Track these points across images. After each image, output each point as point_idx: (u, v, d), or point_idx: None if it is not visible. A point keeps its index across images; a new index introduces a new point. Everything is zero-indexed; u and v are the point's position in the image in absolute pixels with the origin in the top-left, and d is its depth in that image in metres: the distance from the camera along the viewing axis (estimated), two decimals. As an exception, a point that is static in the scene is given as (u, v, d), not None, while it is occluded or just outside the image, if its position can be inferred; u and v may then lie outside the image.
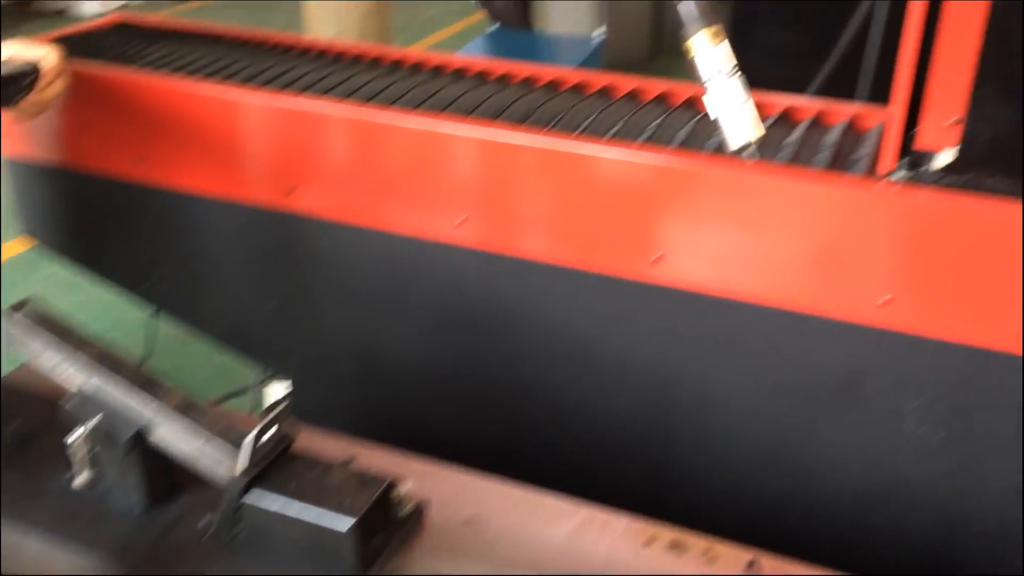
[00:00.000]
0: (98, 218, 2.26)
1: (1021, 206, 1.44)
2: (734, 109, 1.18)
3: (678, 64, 5.62)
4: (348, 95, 2.00)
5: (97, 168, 2.14)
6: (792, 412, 1.73)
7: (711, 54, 1.19)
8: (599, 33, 4.03)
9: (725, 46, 1.19)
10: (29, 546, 1.37)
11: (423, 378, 2.05)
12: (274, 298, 2.13)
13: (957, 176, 1.50)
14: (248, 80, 2.07)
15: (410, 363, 2.06)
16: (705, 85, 1.21)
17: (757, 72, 4.48)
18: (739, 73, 1.17)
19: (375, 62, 2.29)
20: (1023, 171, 1.46)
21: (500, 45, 4.06)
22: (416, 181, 1.86)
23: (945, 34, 1.45)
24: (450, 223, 1.85)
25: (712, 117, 1.21)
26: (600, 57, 3.99)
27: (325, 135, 1.90)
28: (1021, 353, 1.50)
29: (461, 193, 1.83)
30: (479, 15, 6.79)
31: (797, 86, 2.80)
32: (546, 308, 1.86)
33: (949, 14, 1.43)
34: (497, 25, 4.23)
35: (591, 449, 1.94)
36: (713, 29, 1.19)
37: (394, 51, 2.32)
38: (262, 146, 1.96)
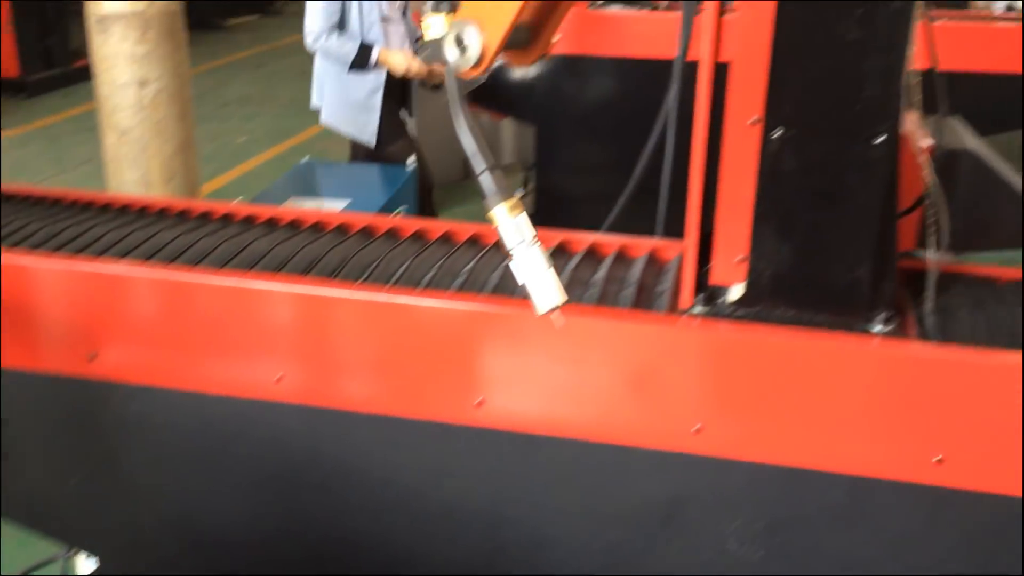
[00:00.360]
0: None
1: (804, 334, 1.56)
2: (537, 277, 1.24)
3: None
4: (153, 253, 1.94)
5: None
6: (622, 543, 1.76)
7: (511, 225, 1.25)
8: (412, 161, 4.13)
9: (523, 217, 1.25)
10: None
11: (247, 542, 1.96)
12: (81, 471, 1.99)
13: (748, 309, 1.62)
14: (44, 243, 1.98)
15: (232, 527, 1.96)
16: (510, 253, 1.26)
17: (564, 185, 4.69)
18: (538, 243, 1.23)
19: (182, 215, 2.24)
20: (803, 302, 1.59)
21: (313, 177, 4.08)
22: (229, 339, 1.81)
23: (726, 176, 1.58)
24: (268, 380, 1.80)
25: (520, 283, 1.26)
26: (415, 182, 4.08)
27: (126, 297, 1.84)
28: (825, 469, 1.60)
29: (277, 349, 1.80)
30: (286, 143, 6.81)
31: (602, 198, 2.97)
32: (372, 459, 1.84)
33: (727, 157, 1.56)
34: (307, 158, 4.26)
35: (427, 599, 1.90)
36: (511, 201, 1.25)
37: (201, 203, 2.29)
38: (58, 312, 1.87)
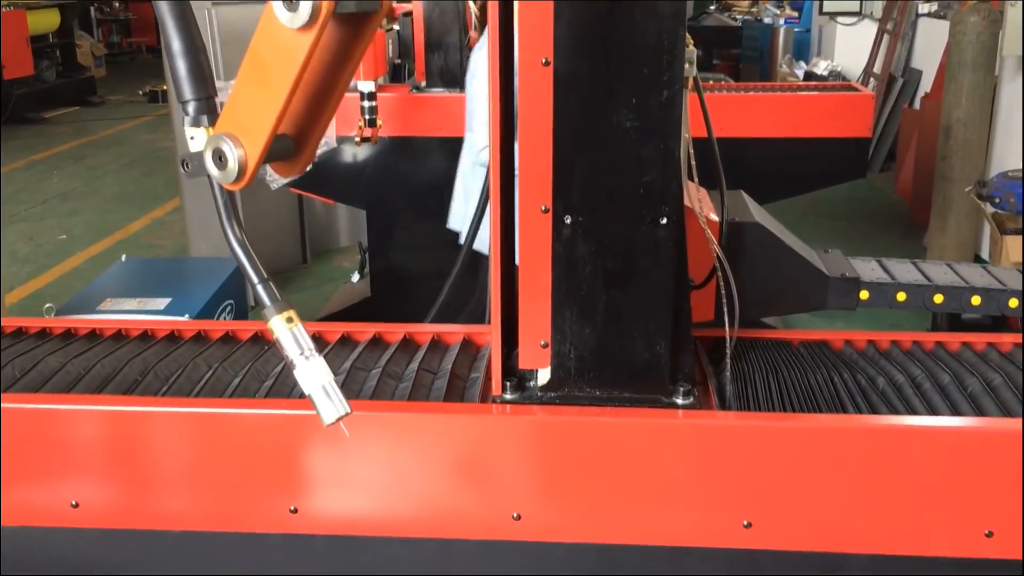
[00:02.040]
0: None
1: (610, 412, 1.60)
2: (318, 389, 1.22)
3: (326, 267, 5.78)
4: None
5: None
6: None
7: (289, 337, 1.23)
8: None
9: (300, 329, 1.23)
10: None
11: None
12: None
13: (555, 392, 1.64)
14: None
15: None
16: (291, 364, 1.24)
17: (398, 265, 4.66)
18: (315, 355, 1.22)
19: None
20: (608, 381, 1.62)
21: (132, 276, 3.92)
22: (17, 463, 1.69)
23: (524, 262, 1.61)
24: (65, 503, 1.69)
25: (305, 394, 1.24)
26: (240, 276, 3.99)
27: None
28: (642, 543, 1.62)
29: (73, 471, 1.69)
30: (111, 239, 6.54)
31: (437, 276, 3.00)
32: (185, 578, 1.74)
33: (523, 244, 1.59)
34: (124, 257, 4.08)
35: None
36: (287, 313, 1.23)
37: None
38: None
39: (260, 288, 1.24)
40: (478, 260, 3.10)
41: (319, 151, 3.77)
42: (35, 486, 1.70)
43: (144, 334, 2.04)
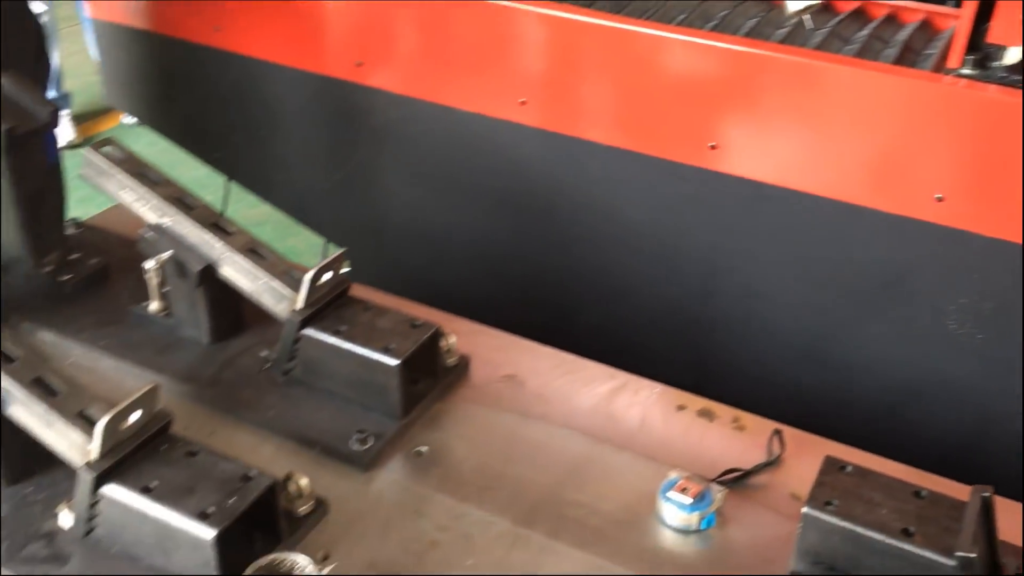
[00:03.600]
0: (177, 82, 2.35)
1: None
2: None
3: None
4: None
5: (178, 32, 2.21)
6: (835, 306, 1.75)
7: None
8: None
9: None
10: (103, 367, 1.48)
11: (476, 253, 2.12)
12: (338, 169, 2.20)
13: (1021, 76, 1.49)
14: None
15: (464, 238, 2.12)
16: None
17: None
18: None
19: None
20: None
21: None
22: (481, 58, 1.89)
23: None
24: (512, 101, 1.88)
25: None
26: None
27: (391, 11, 1.94)
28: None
29: (524, 72, 1.86)
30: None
31: None
32: (602, 190, 1.90)
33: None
34: None
35: (634, 332, 2.00)
36: None
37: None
38: (333, 20, 2.01)
39: None
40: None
41: None
42: (490, 81, 1.90)
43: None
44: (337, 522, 1.24)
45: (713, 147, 1.72)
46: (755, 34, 1.75)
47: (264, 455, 1.32)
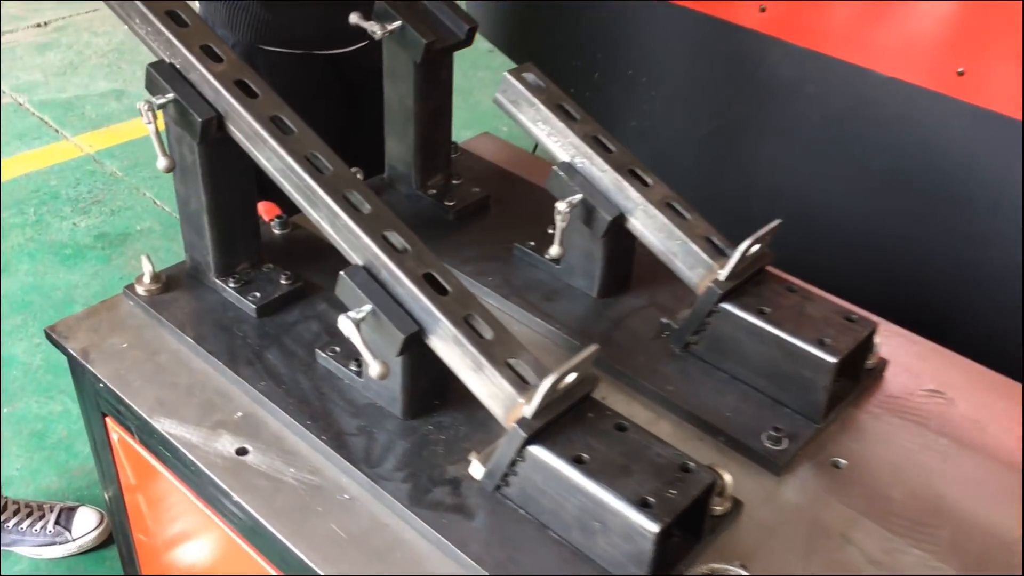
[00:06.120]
0: (541, 11, 2.26)
1: None
2: None
3: None
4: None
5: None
6: None
7: None
8: None
9: None
10: (488, 306, 1.41)
11: (857, 238, 1.89)
12: (711, 121, 2.03)
13: None
14: None
15: (845, 219, 1.90)
16: None
17: None
18: None
19: None
20: None
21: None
22: (915, 15, 1.65)
23: None
24: (947, 71, 1.63)
25: None
26: None
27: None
28: None
29: (967, 34, 1.60)
30: None
31: None
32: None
33: None
34: None
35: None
36: None
37: None
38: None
39: None
40: None
41: None
42: (918, 39, 1.66)
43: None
44: (750, 528, 1.10)
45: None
46: None
47: (660, 433, 1.20)
